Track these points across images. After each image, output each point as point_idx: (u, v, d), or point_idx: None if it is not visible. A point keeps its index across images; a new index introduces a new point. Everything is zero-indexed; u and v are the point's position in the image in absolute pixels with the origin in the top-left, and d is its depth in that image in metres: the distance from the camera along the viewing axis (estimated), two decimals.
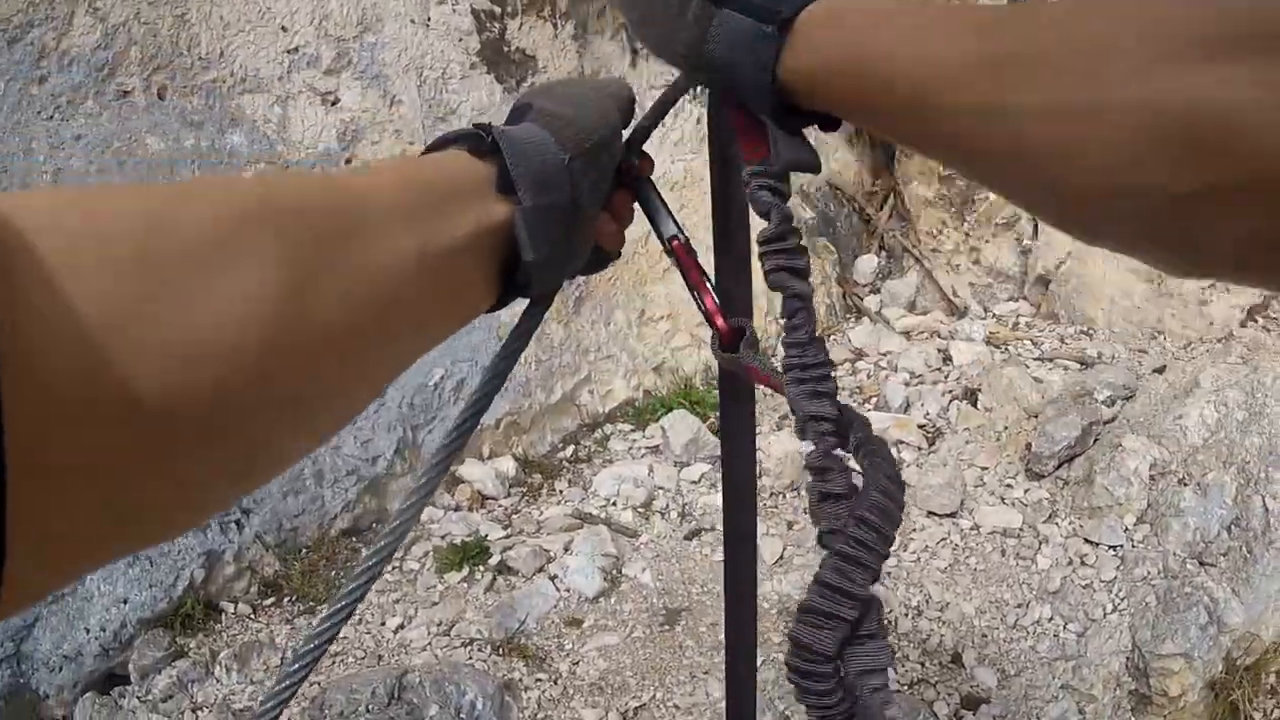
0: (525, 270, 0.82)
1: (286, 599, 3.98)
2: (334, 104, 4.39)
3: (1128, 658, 3.57)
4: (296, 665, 0.90)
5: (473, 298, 0.81)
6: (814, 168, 0.85)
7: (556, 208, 0.84)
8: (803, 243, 0.86)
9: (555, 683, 3.53)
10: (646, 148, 1.06)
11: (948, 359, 5.41)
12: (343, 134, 4.40)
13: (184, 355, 0.45)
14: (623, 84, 1.02)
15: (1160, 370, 4.89)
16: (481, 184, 0.79)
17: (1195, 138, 0.50)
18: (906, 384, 5.21)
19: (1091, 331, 5.54)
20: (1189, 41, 0.51)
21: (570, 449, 5.01)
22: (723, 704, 3.37)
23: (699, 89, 1.11)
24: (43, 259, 0.41)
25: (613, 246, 1.00)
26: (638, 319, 5.33)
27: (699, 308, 1.01)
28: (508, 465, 4.72)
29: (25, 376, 0.38)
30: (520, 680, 3.53)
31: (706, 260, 1.05)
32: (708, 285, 1.01)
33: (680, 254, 1.02)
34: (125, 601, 3.66)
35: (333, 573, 4.07)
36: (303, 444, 0.62)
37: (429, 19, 4.63)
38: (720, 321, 0.99)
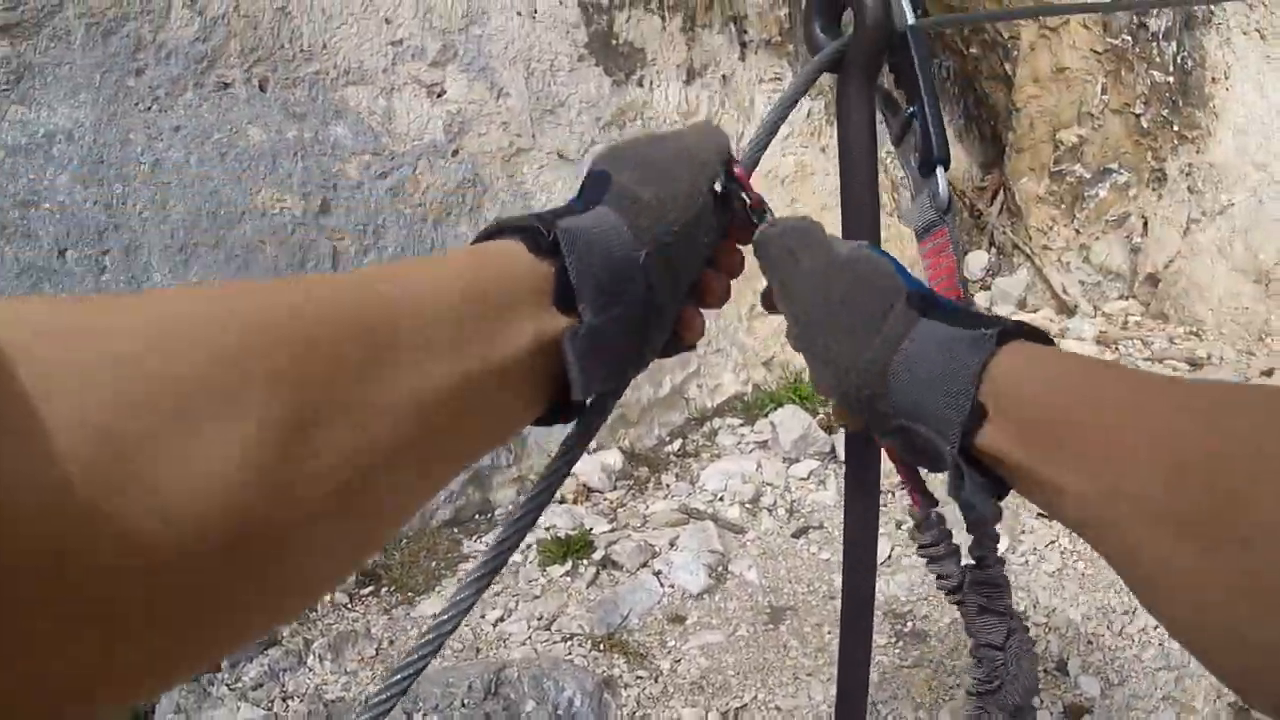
0: (577, 402, 0.73)
1: (385, 589, 3.95)
2: (440, 96, 4.39)
3: None
4: (410, 659, 0.85)
5: (517, 418, 0.72)
6: (993, 519, 0.76)
7: (624, 319, 0.74)
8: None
9: (655, 680, 3.46)
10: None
11: None
12: (449, 126, 4.39)
13: (165, 509, 0.40)
14: (717, 140, 0.89)
15: (1268, 373, 4.84)
16: (538, 291, 0.70)
17: None
18: None
19: (1200, 332, 5.46)
20: None
21: (678, 443, 4.95)
22: (824, 707, 3.30)
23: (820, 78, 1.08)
24: (15, 396, 0.37)
25: (696, 338, 0.88)
26: (748, 313, 5.24)
27: None
28: (614, 458, 4.67)
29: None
30: (620, 677, 3.46)
31: None
32: None
33: None
34: None
35: (433, 563, 4.06)
36: (312, 588, 0.55)
37: (535, 10, 4.61)
38: None
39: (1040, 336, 0.74)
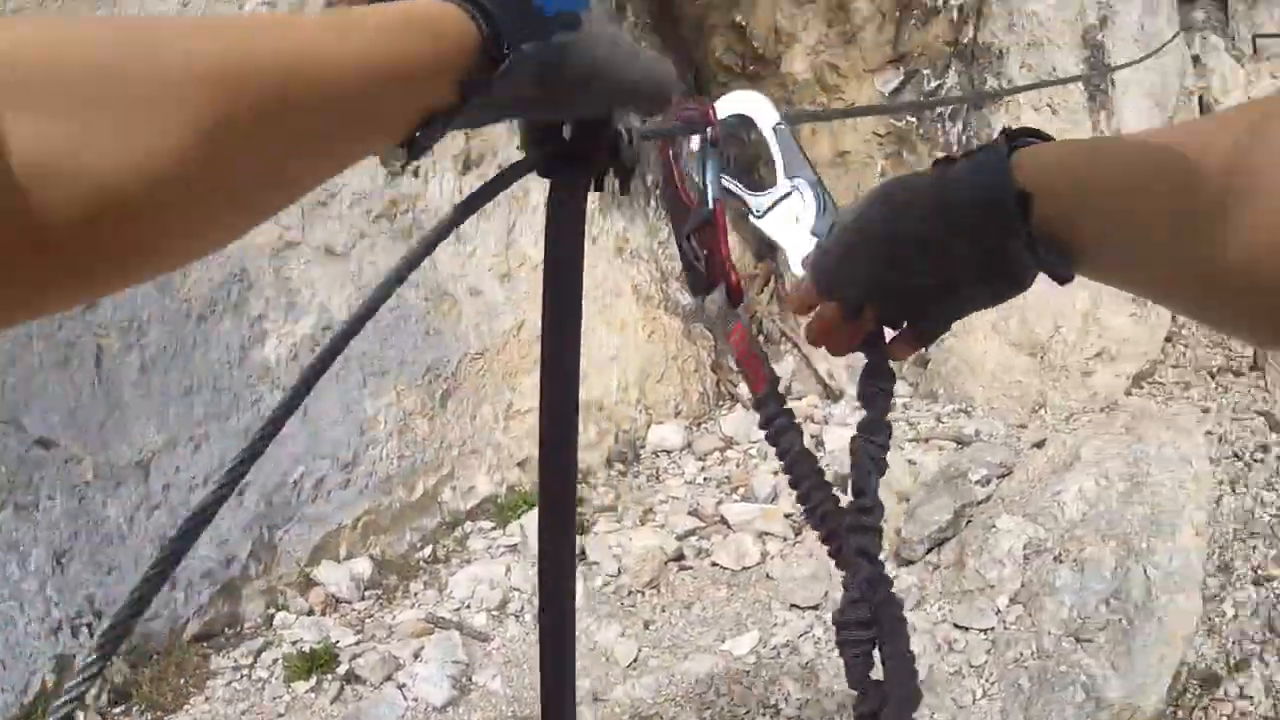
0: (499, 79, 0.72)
1: (135, 707, 3.93)
2: None
3: None
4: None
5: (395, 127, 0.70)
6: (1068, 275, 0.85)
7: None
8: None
9: None
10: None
11: (820, 444, 5.35)
12: None
13: (100, 194, 0.47)
14: (667, 69, 0.93)
15: (1040, 445, 4.86)
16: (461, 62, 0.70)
17: None
18: (775, 473, 5.11)
19: (970, 409, 5.58)
20: None
21: (429, 549, 5.00)
22: None
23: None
24: None
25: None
26: (504, 412, 5.36)
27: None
28: (363, 567, 4.71)
29: None
30: None
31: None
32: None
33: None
34: None
35: (181, 680, 4.06)
36: (239, 222, 0.61)
37: None
38: (733, 277, 1.11)
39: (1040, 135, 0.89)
